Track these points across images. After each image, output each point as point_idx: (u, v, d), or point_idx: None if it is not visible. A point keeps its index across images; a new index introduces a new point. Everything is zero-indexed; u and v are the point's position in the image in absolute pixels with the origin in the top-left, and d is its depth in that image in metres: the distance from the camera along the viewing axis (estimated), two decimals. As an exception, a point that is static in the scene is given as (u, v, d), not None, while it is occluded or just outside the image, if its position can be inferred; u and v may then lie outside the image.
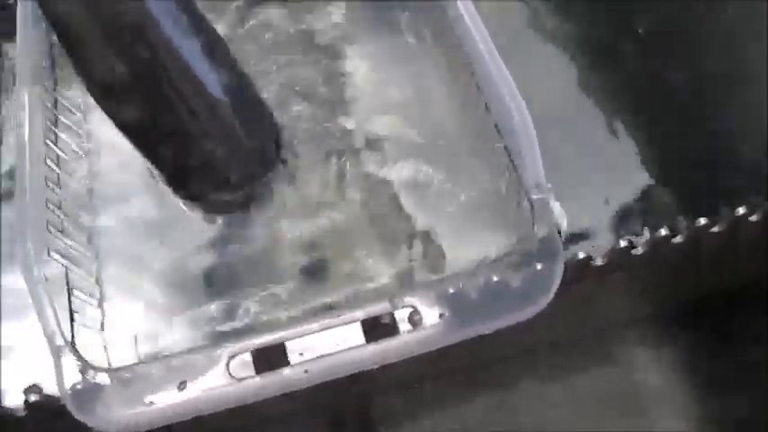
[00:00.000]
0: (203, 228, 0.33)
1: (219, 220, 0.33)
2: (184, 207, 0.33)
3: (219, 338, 0.29)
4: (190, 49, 0.26)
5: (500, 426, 0.36)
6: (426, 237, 0.32)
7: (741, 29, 0.40)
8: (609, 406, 0.36)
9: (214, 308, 0.31)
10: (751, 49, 0.38)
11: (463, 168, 0.33)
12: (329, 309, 0.29)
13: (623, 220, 0.33)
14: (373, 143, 0.34)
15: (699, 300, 0.36)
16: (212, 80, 0.27)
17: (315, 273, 0.32)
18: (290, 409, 0.35)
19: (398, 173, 0.34)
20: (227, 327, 0.30)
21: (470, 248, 0.31)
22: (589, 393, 0.36)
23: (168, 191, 0.33)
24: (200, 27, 0.28)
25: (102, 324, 0.29)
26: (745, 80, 0.38)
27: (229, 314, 0.30)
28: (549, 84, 0.37)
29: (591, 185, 0.34)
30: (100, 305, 0.30)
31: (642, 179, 0.34)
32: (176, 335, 0.30)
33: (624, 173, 0.35)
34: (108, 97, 0.27)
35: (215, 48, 0.28)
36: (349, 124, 0.35)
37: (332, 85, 0.37)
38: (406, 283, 0.30)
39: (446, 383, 0.36)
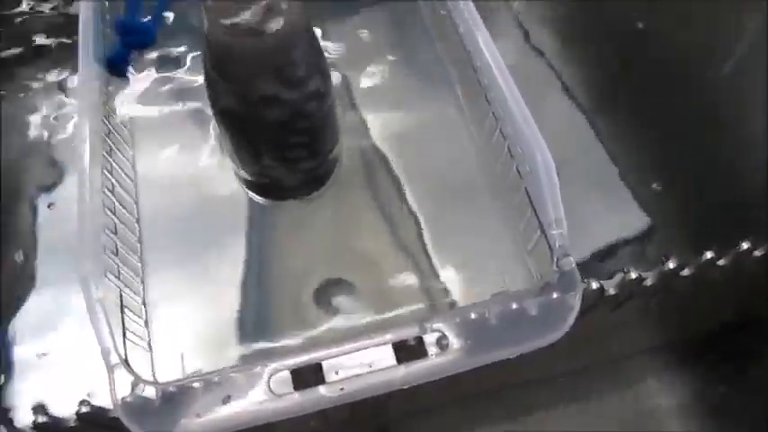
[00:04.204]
0: (240, 254, 0.35)
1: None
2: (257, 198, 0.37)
3: (259, 358, 0.31)
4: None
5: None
6: (449, 267, 0.35)
7: (744, 68, 0.42)
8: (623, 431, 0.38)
9: (253, 328, 0.33)
10: (755, 88, 0.41)
11: (485, 206, 0.36)
12: (362, 331, 0.31)
13: (631, 254, 0.35)
14: (401, 179, 0.37)
15: (710, 329, 0.38)
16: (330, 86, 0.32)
17: (346, 294, 0.34)
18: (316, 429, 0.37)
19: (425, 206, 0.36)
20: (266, 346, 0.32)
21: (492, 280, 0.33)
22: (604, 419, 0.38)
23: (213, 214, 0.36)
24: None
25: (150, 343, 0.31)
26: (750, 119, 0.40)
27: (267, 334, 0.33)
28: (555, 125, 0.39)
29: (596, 222, 0.36)
30: (147, 325, 0.32)
31: (647, 215, 0.36)
32: (218, 354, 0.32)
33: (630, 210, 0.37)
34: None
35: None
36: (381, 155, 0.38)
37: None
38: (433, 309, 0.32)
39: (467, 408, 0.37)
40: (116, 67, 0.25)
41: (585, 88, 0.42)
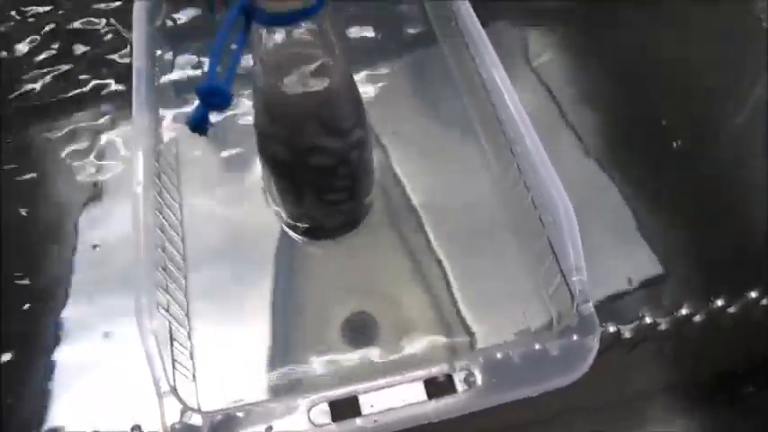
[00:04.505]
0: (276, 290, 0.38)
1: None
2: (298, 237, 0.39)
3: (291, 388, 0.33)
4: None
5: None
6: (471, 306, 0.37)
7: (756, 119, 0.44)
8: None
9: (286, 360, 0.35)
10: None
11: (508, 251, 0.38)
12: (392, 367, 0.33)
13: (644, 298, 0.37)
14: (427, 222, 0.40)
15: (721, 373, 0.39)
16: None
17: (371, 329, 0.36)
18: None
19: (449, 249, 0.39)
20: (298, 377, 0.34)
21: (513, 319, 0.35)
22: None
23: (252, 252, 0.38)
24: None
25: (195, 374, 0.33)
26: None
27: (299, 365, 0.35)
28: (572, 171, 0.40)
29: (611, 266, 0.38)
30: (191, 357, 0.34)
31: (660, 261, 0.38)
32: (253, 384, 0.34)
33: (643, 256, 0.39)
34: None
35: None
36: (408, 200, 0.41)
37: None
38: (455, 345, 0.34)
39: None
40: (198, 128, 0.28)
41: (601, 137, 0.44)
